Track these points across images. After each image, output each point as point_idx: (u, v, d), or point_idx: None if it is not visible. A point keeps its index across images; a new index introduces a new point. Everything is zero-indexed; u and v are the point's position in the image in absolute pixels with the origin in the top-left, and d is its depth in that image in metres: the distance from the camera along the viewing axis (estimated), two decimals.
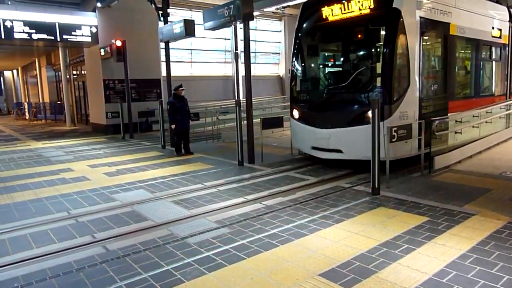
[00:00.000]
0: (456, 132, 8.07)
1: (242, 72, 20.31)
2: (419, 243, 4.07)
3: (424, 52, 7.52)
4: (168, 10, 12.48)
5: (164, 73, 13.77)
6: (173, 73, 12.85)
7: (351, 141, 7.11)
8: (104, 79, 16.01)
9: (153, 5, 12.68)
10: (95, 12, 15.61)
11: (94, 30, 15.59)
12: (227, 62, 22.43)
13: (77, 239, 4.65)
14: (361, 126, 6.82)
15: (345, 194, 6.01)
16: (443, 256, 3.72)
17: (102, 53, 15.50)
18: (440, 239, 4.15)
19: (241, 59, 18.55)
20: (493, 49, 10.36)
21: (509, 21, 10.88)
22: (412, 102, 7.14)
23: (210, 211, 5.47)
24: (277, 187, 6.64)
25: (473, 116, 8.87)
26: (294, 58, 8.54)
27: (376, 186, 5.87)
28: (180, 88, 10.02)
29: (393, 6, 6.85)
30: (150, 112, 16.24)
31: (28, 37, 14.20)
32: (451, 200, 5.44)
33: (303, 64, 8.66)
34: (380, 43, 7.43)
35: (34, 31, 14.23)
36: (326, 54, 9.11)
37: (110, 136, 15.36)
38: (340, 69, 8.50)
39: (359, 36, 8.03)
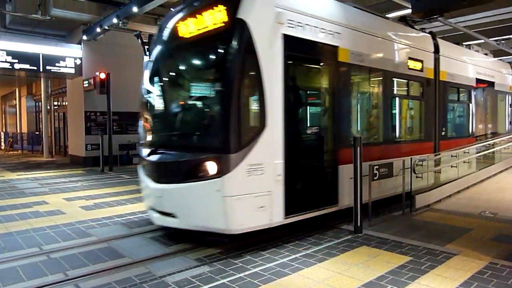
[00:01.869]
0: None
1: None
2: (402, 283, 4.00)
3: (295, 83, 5.96)
4: None
5: None
6: None
7: (184, 203, 5.13)
8: (86, 110, 15.85)
9: (139, 40, 12.84)
10: (81, 44, 15.68)
11: (78, 62, 15.59)
12: None
13: (48, 277, 4.42)
14: (196, 183, 4.95)
15: (328, 232, 5.95)
16: None
17: (86, 85, 15.44)
18: (424, 279, 4.10)
19: None
20: (411, 84, 8.36)
21: (434, 52, 8.84)
22: (271, 152, 5.11)
23: (190, 248, 5.30)
24: None
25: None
26: (143, 87, 6.53)
27: (359, 224, 5.84)
28: None
29: (238, 16, 4.94)
30: (131, 145, 16.05)
31: (10, 67, 14.08)
32: (433, 240, 5.44)
33: (148, 96, 6.49)
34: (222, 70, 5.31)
35: (16, 61, 14.14)
36: (164, 84, 6.55)
37: (88, 169, 15.02)
38: (177, 104, 6.29)
39: (198, 61, 6.21)
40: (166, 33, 6.11)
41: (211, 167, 4.80)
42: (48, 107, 21.16)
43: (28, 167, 16.00)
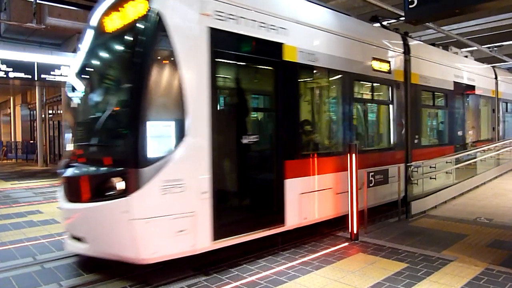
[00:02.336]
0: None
1: None
2: None
3: (226, 85, 5.21)
4: None
5: None
6: None
7: (91, 226, 4.44)
8: None
9: None
10: (76, 53, 15.64)
11: None
12: None
13: (41, 287, 4.36)
14: (101, 203, 4.21)
15: (324, 240, 5.93)
16: None
17: None
18: (420, 286, 4.10)
19: None
20: (377, 87, 7.72)
21: (404, 53, 8.06)
22: (194, 165, 4.38)
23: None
24: None
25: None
26: (66, 89, 5.76)
27: (355, 231, 5.84)
28: None
29: (151, 6, 4.26)
30: None
31: (5, 75, 14.01)
32: (429, 246, 5.44)
33: (69, 98, 5.71)
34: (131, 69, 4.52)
35: (11, 69, 14.08)
36: (82, 85, 5.54)
37: None
38: (89, 108, 5.30)
39: (109, 59, 5.30)
40: (89, 27, 5.32)
41: (117, 184, 4.07)
42: (43, 116, 21.09)
43: (22, 176, 15.88)
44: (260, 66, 5.62)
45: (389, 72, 7.58)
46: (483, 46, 15.64)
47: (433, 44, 10.15)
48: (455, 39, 14.07)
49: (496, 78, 13.10)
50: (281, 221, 5.35)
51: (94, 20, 5.22)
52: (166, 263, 4.38)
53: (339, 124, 6.67)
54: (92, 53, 5.28)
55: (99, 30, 5.08)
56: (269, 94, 5.76)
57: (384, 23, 9.15)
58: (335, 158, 6.31)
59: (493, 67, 13.39)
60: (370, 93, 7.57)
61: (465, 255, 5.04)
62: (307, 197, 5.71)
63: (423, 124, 9.20)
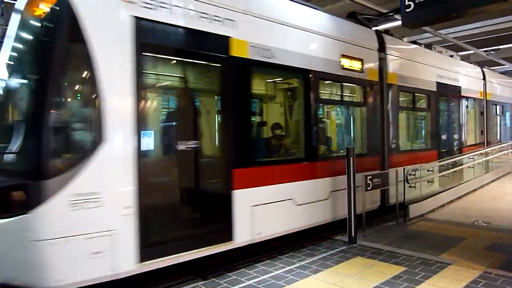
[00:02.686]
0: None
1: None
2: None
3: (157, 84, 4.78)
4: None
5: None
6: None
7: None
8: None
9: None
10: None
11: None
12: None
13: None
14: (1, 222, 3.54)
15: (322, 243, 5.93)
16: None
17: None
18: None
19: None
20: (347, 87, 7.06)
21: (379, 50, 7.45)
22: (114, 176, 3.82)
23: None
24: None
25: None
26: None
27: (353, 235, 5.83)
28: None
29: None
30: None
31: None
32: (427, 249, 5.44)
33: None
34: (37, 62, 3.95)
35: None
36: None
37: None
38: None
39: (19, 52, 4.46)
40: (11, 19, 4.51)
41: (16, 199, 3.48)
42: None
43: None
44: (202, 62, 4.97)
45: (362, 71, 6.92)
46: (480, 50, 15.72)
47: (414, 43, 9.63)
48: (452, 43, 14.15)
49: (484, 79, 12.43)
50: (228, 237, 4.71)
51: (18, 5, 4.45)
52: (164, 268, 4.35)
53: (301, 128, 6.05)
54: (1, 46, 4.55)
55: (15, 19, 4.40)
56: (214, 94, 5.18)
57: (385, 26, 9.13)
58: (296, 166, 5.72)
59: (482, 67, 12.76)
60: (339, 94, 6.91)
61: (463, 258, 5.04)
62: (261, 210, 5.08)
63: (402, 127, 8.56)
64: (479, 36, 15.36)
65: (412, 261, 4.99)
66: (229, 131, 4.93)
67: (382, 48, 7.54)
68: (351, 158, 5.75)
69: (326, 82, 6.61)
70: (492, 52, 16.61)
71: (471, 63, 12.54)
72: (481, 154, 11.09)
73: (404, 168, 7.07)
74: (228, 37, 4.83)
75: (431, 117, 9.25)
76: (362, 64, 6.93)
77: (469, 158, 10.29)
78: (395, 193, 6.97)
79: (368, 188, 6.27)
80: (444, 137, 9.88)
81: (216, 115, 5.09)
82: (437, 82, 9.33)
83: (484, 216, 7.42)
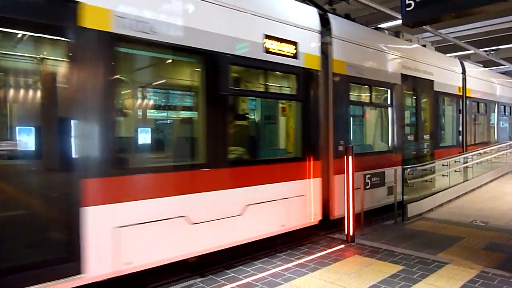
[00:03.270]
0: None
1: None
2: None
3: None
4: None
5: None
6: None
7: None
8: None
9: None
10: None
11: None
12: None
13: None
14: None
15: (320, 242, 5.94)
16: None
17: None
18: None
19: None
20: (274, 76, 6.05)
21: (321, 33, 6.09)
22: None
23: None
24: None
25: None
26: None
27: (351, 233, 5.84)
28: None
29: None
30: None
31: None
32: (425, 248, 5.45)
33: None
34: None
35: None
36: None
37: None
38: None
39: None
40: None
41: None
42: None
43: None
44: (28, 33, 3.72)
45: (295, 56, 5.60)
46: (480, 50, 15.72)
47: (377, 29, 8.65)
48: (452, 43, 14.15)
49: (464, 73, 10.88)
50: (75, 270, 3.57)
51: None
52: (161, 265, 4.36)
53: (199, 127, 4.72)
54: None
55: None
56: (53, 77, 3.96)
57: (386, 25, 8.94)
58: (190, 174, 4.50)
59: (461, 60, 11.30)
60: (261, 84, 5.66)
61: (460, 257, 5.05)
62: (133, 232, 3.90)
63: (354, 126, 7.49)
64: (479, 36, 15.37)
65: (409, 260, 5.00)
66: (78, 128, 3.60)
67: (326, 30, 6.29)
68: (350, 157, 5.75)
69: (240, 68, 5.39)
70: (492, 52, 16.62)
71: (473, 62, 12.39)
72: (457, 161, 9.62)
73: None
74: (76, 2, 3.57)
75: (394, 114, 7.81)
76: (296, 48, 5.60)
77: (443, 165, 8.93)
78: (343, 204, 5.93)
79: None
80: (411, 138, 8.55)
81: (73, 109, 3.64)
82: (403, 74, 8.04)
83: (482, 215, 7.44)
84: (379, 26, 8.78)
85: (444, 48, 14.79)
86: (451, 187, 9.07)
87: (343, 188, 5.92)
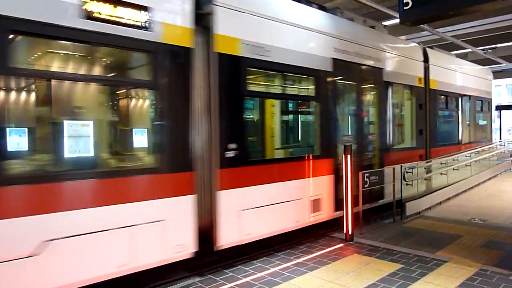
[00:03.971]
0: None
1: None
2: None
3: None
4: None
5: None
6: None
7: None
8: None
9: None
10: None
11: None
12: None
13: None
14: None
15: (319, 241, 5.94)
16: None
17: None
18: (415, 286, 4.11)
19: None
20: (109, 54, 4.35)
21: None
22: None
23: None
24: None
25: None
26: None
27: (350, 232, 5.85)
28: None
29: None
30: None
31: None
32: (424, 247, 5.46)
33: None
34: None
35: None
36: None
37: None
38: None
39: None
40: None
41: None
42: None
43: None
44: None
45: (147, 27, 4.08)
46: (477, 48, 15.74)
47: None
48: (449, 41, 14.16)
49: (426, 61, 9.10)
50: None
51: None
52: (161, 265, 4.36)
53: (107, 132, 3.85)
54: None
55: None
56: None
57: (384, 23, 8.78)
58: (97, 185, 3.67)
59: (424, 46, 9.55)
60: (78, 64, 4.15)
61: (459, 255, 5.06)
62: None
63: (256, 124, 5.99)
64: (477, 34, 15.36)
65: (408, 258, 5.00)
66: None
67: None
68: (348, 156, 5.76)
69: (37, 38, 3.70)
70: (490, 50, 16.65)
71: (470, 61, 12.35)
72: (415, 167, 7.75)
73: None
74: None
75: (323, 109, 6.15)
76: (148, 15, 4.08)
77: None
78: (241, 228, 4.89)
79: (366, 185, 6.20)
80: (347, 138, 6.89)
81: None
82: (334, 59, 6.32)
83: (480, 213, 7.46)
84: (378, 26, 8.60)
85: (442, 46, 14.80)
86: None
87: (237, 207, 4.81)
